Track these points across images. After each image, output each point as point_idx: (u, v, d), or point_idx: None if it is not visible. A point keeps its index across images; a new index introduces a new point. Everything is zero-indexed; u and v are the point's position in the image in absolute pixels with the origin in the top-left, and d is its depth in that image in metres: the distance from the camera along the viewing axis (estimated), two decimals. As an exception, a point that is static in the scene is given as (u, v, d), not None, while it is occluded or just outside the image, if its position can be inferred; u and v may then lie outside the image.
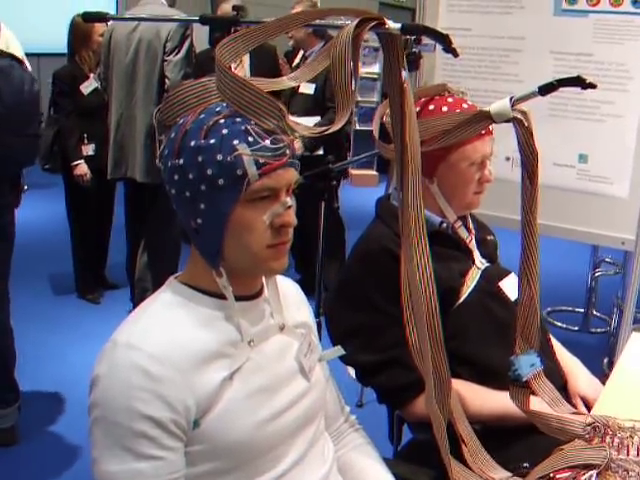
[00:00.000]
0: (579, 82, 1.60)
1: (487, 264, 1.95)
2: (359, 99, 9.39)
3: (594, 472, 1.42)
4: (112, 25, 3.99)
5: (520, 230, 1.66)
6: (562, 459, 1.47)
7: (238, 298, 1.29)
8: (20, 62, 2.73)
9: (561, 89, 1.67)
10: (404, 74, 1.34)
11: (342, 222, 4.92)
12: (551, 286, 3.80)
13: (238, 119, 1.20)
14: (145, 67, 3.87)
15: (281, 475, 1.32)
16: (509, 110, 1.61)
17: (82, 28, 4.40)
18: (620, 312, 3.76)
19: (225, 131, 1.19)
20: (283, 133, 1.22)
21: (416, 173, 1.37)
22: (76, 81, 4.47)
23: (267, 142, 1.20)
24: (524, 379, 1.64)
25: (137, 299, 4.25)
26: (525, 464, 1.61)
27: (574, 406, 1.87)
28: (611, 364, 3.54)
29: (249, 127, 1.19)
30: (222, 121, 1.20)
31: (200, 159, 1.19)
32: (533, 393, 1.65)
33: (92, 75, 4.49)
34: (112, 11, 11.00)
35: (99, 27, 4.38)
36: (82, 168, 4.50)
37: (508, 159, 2.93)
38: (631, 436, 1.51)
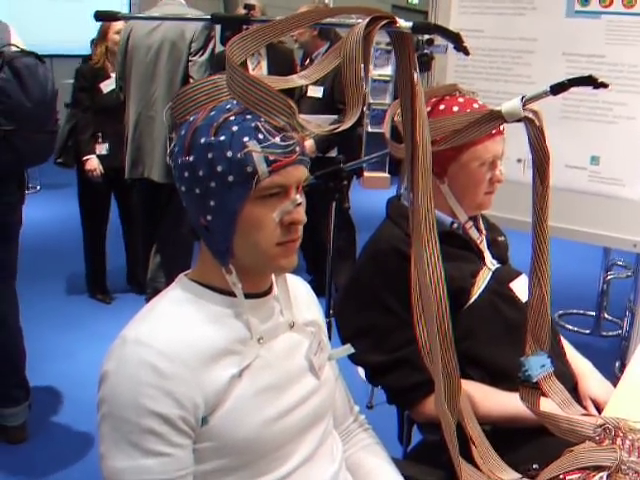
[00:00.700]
0: (591, 81, 1.59)
1: (498, 265, 1.95)
2: (371, 101, 9.37)
3: (604, 474, 1.41)
4: (130, 24, 3.99)
5: (531, 231, 1.65)
6: (572, 460, 1.46)
7: (248, 295, 1.29)
8: (42, 61, 2.78)
9: (573, 90, 1.66)
10: (415, 74, 1.33)
11: (352, 223, 4.92)
12: (562, 289, 3.78)
13: (248, 116, 1.20)
14: (167, 67, 3.87)
15: (290, 473, 1.32)
16: (520, 109, 1.60)
17: (102, 26, 4.45)
18: (632, 315, 3.74)
19: (235, 128, 1.19)
20: (293, 130, 1.22)
21: (427, 173, 1.37)
22: (97, 79, 4.50)
23: (277, 139, 1.20)
24: (534, 380, 1.63)
25: (149, 299, 4.25)
26: (535, 465, 1.60)
27: (584, 408, 1.86)
28: (623, 367, 3.53)
29: (259, 124, 1.19)
30: (232, 118, 1.20)
31: (210, 156, 1.19)
32: (543, 394, 1.65)
33: (113, 75, 4.49)
34: (126, 11, 11.02)
35: (116, 24, 4.39)
36: (92, 163, 4.49)
37: (519, 161, 2.92)
38: (642, 438, 1.50)
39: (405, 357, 1.76)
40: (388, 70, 9.81)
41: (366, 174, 9.16)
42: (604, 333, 4.86)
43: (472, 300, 1.84)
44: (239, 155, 1.18)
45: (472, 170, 1.84)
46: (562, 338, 2.05)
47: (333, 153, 4.66)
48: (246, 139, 1.18)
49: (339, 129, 1.23)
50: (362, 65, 1.21)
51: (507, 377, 1.74)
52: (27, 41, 2.84)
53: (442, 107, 1.83)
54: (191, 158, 1.22)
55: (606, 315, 4.93)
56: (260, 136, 1.19)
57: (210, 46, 3.85)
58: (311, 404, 1.37)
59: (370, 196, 4.86)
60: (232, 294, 1.29)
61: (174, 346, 1.20)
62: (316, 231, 3.45)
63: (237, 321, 1.29)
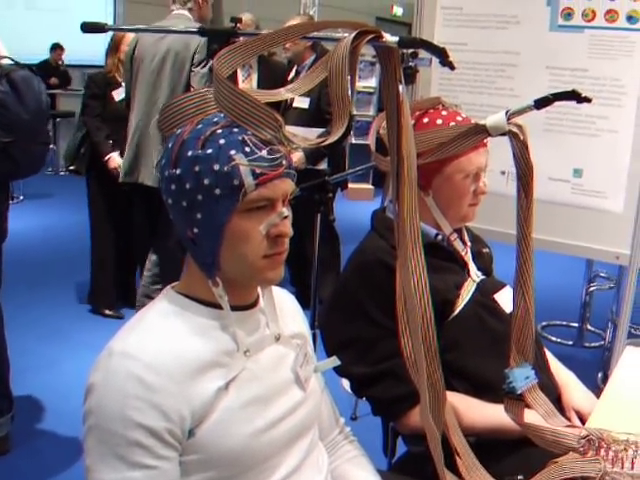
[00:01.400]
0: (574, 96, 1.61)
1: (482, 277, 1.95)
2: (355, 113, 9.40)
3: (588, 485, 1.42)
4: (137, 36, 4.07)
5: (515, 244, 1.66)
6: (557, 472, 1.47)
7: (234, 308, 1.30)
8: (34, 72, 2.79)
9: (556, 104, 1.67)
10: (400, 87, 1.34)
11: (337, 235, 4.93)
12: (546, 300, 3.80)
13: (235, 129, 1.21)
14: (171, 75, 3.92)
15: (276, 485, 1.32)
16: (505, 123, 1.62)
17: (114, 38, 4.51)
18: (614, 327, 3.76)
19: (222, 141, 1.20)
20: (280, 144, 1.22)
21: (412, 185, 1.37)
22: (109, 86, 4.54)
23: (264, 152, 1.20)
24: (519, 392, 1.64)
25: (140, 308, 4.24)
26: (520, 477, 1.61)
27: (568, 419, 1.87)
28: (605, 378, 3.55)
29: (246, 137, 1.20)
30: (219, 131, 1.21)
31: (197, 169, 1.20)
32: (527, 406, 1.65)
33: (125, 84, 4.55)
34: (110, 22, 11.06)
35: (129, 37, 4.43)
36: (115, 160, 4.49)
37: (503, 173, 2.93)
38: (625, 449, 1.51)
39: (390, 369, 1.77)
40: (372, 82, 9.86)
41: (350, 185, 9.16)
42: (587, 344, 4.89)
43: (457, 312, 1.84)
44: (226, 168, 1.19)
45: (456, 182, 1.85)
46: (546, 350, 2.06)
47: (323, 165, 4.67)
48: (233, 152, 1.19)
49: (325, 142, 1.23)
50: (349, 78, 1.22)
51: (491, 389, 1.75)
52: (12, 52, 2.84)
53: (426, 120, 1.84)
54: (178, 171, 1.22)
55: (589, 326, 4.96)
56: (247, 149, 1.19)
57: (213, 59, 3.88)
58: (297, 416, 1.37)
59: (354, 208, 4.88)
60: (218, 306, 1.29)
61: (161, 359, 1.20)
62: (301, 243, 3.46)
63: (223, 333, 1.29)
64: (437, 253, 1.87)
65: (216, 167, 1.19)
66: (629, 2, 2.73)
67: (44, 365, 4.05)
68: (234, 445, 1.23)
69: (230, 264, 1.25)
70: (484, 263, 2.02)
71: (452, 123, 1.82)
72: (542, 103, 1.65)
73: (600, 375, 4.01)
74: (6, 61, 2.74)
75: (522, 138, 1.60)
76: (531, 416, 1.66)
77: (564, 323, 5.11)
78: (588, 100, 1.60)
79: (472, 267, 1.95)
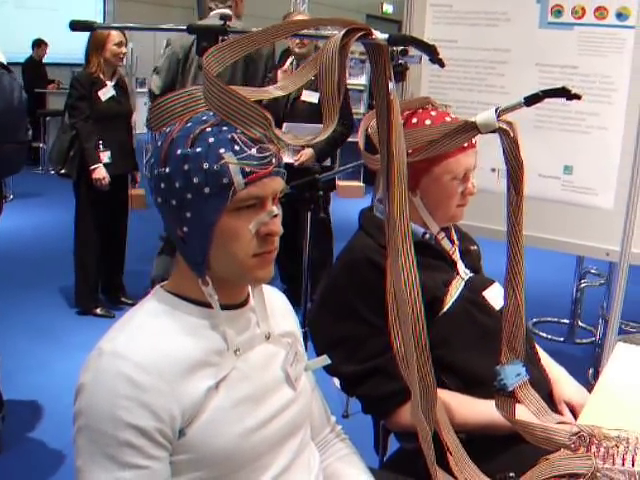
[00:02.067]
0: (564, 93, 1.61)
1: (471, 274, 1.96)
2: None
3: (580, 481, 1.42)
4: (188, 37, 4.02)
5: (506, 240, 1.66)
6: (548, 468, 1.47)
7: (224, 307, 1.29)
8: (8, 70, 2.74)
9: (546, 101, 1.67)
10: (391, 85, 1.34)
11: (332, 233, 4.93)
12: (536, 297, 3.81)
13: (224, 128, 1.21)
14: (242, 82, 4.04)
15: (267, 484, 1.31)
16: (495, 121, 1.61)
17: (98, 36, 4.43)
18: (605, 323, 3.77)
19: (211, 139, 1.19)
20: (269, 142, 1.22)
21: (402, 182, 1.37)
22: (94, 86, 4.49)
23: (253, 151, 1.20)
24: (510, 389, 1.64)
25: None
26: (511, 473, 1.61)
27: (559, 412, 1.88)
28: (596, 374, 3.55)
29: (235, 136, 1.20)
30: (209, 130, 1.21)
31: (186, 167, 1.19)
32: (519, 403, 1.65)
33: (109, 83, 4.52)
34: (100, 20, 11.06)
35: (115, 36, 4.41)
36: (100, 172, 4.44)
37: (494, 170, 2.94)
38: (617, 445, 1.51)
39: (379, 366, 1.77)
40: (362, 79, 9.87)
41: (340, 183, 9.18)
42: (578, 340, 4.90)
43: (445, 309, 1.84)
44: (215, 167, 1.18)
45: (444, 183, 1.85)
46: (536, 345, 2.06)
47: (328, 162, 4.70)
48: (222, 150, 1.18)
49: (315, 141, 1.23)
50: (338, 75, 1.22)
51: (482, 384, 1.75)
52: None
53: (414, 120, 1.84)
54: (167, 169, 1.21)
55: (580, 323, 4.98)
56: (236, 147, 1.19)
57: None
58: (288, 415, 1.36)
59: (344, 205, 4.87)
60: (208, 305, 1.28)
61: (151, 358, 1.19)
62: (295, 241, 3.46)
63: (213, 332, 1.28)
64: (425, 251, 1.87)
65: (205, 166, 1.18)
66: (618, -1, 2.73)
67: (35, 365, 4.03)
68: (225, 445, 1.23)
69: (220, 263, 1.25)
70: (472, 261, 2.02)
71: (440, 124, 1.81)
72: (532, 100, 1.65)
73: (591, 371, 4.02)
74: None
75: (512, 135, 1.59)
76: (523, 412, 1.66)
77: (555, 319, 5.13)
78: (578, 97, 1.60)
79: (460, 265, 1.95)
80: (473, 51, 3.05)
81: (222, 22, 1.93)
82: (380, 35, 1.31)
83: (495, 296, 1.92)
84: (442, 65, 1.55)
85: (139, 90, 10.48)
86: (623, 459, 1.48)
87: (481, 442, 1.70)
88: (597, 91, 2.80)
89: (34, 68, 10.60)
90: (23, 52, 10.46)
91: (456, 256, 1.95)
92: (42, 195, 8.60)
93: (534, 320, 5.03)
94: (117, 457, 1.15)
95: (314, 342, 1.91)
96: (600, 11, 2.77)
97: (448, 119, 1.84)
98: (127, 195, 4.87)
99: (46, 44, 10.66)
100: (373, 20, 15.10)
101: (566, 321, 5.01)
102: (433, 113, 1.85)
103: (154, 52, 11.95)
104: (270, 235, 1.25)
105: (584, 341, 4.89)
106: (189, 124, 1.23)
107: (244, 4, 4.14)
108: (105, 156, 4.50)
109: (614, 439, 1.53)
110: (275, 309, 1.47)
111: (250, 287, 1.39)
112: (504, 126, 1.61)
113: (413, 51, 2.85)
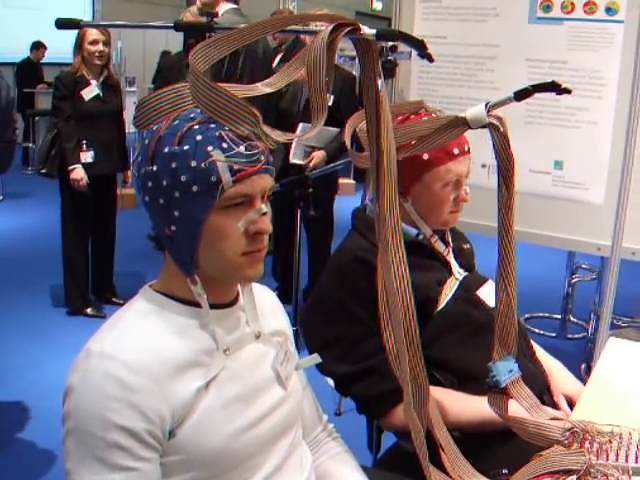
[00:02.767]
0: (554, 87, 1.60)
1: (465, 274, 1.95)
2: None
3: (574, 477, 1.41)
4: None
5: (497, 236, 1.65)
6: (542, 465, 1.46)
7: (213, 306, 1.28)
8: None
9: (536, 96, 1.67)
10: (379, 81, 1.33)
11: (333, 231, 4.90)
12: (528, 293, 3.81)
13: (212, 125, 1.19)
14: None
15: (259, 484, 1.30)
16: (485, 116, 1.61)
17: (79, 35, 4.41)
18: (597, 318, 3.77)
19: (199, 137, 1.18)
20: (258, 139, 1.21)
21: (392, 177, 1.36)
22: (78, 86, 4.45)
23: (241, 148, 1.19)
24: (502, 385, 1.63)
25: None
26: (504, 470, 1.61)
27: (557, 405, 1.88)
28: (589, 370, 3.56)
29: (223, 133, 1.19)
30: (196, 127, 1.19)
31: (174, 165, 1.18)
32: (512, 399, 1.65)
33: (94, 82, 4.48)
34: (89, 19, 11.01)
35: (89, 35, 4.36)
36: (78, 173, 4.41)
37: (484, 166, 2.93)
38: (610, 441, 1.51)
39: (373, 366, 1.76)
40: (352, 76, 9.83)
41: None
42: (570, 336, 4.91)
43: (440, 308, 1.84)
44: (203, 165, 1.17)
45: (435, 190, 1.85)
46: (531, 339, 2.06)
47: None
48: (210, 148, 1.17)
49: (305, 137, 1.22)
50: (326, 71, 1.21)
51: (475, 379, 1.75)
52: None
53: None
54: (155, 168, 1.20)
55: (571, 318, 4.98)
56: (224, 145, 1.18)
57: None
58: (279, 414, 1.36)
59: (336, 202, 4.85)
60: (197, 305, 1.27)
61: (139, 358, 1.18)
62: (288, 238, 3.44)
63: (203, 332, 1.27)
64: (418, 251, 1.86)
65: (193, 164, 1.17)
66: (608, -7, 2.73)
67: (26, 366, 4.02)
68: (215, 445, 1.22)
69: (208, 262, 1.24)
70: (465, 259, 2.02)
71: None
72: (522, 95, 1.64)
73: (584, 366, 4.02)
74: None
75: (502, 130, 1.59)
76: (516, 407, 1.66)
77: (547, 315, 5.13)
78: (568, 91, 1.60)
79: (454, 266, 1.94)
80: (463, 47, 3.04)
81: (209, 18, 1.92)
82: (368, 30, 1.30)
83: (489, 294, 1.91)
84: (431, 60, 1.54)
85: (128, 89, 10.44)
86: (617, 454, 1.48)
87: (474, 439, 1.69)
88: (587, 86, 2.80)
89: (28, 69, 10.55)
90: (14, 52, 10.42)
91: (450, 257, 1.95)
92: (32, 195, 8.57)
93: (526, 316, 5.03)
94: (106, 459, 1.13)
95: (307, 343, 1.90)
96: (589, 6, 2.76)
97: None
98: (114, 195, 4.84)
99: (45, 47, 10.60)
100: (362, 17, 15.10)
101: (558, 316, 5.01)
102: (425, 119, 1.83)
103: (143, 51, 11.95)
104: (259, 233, 1.24)
105: (576, 336, 4.89)
106: (176, 122, 1.22)
107: None
108: (88, 156, 4.47)
109: (607, 434, 1.53)
110: (265, 308, 1.46)
111: (240, 286, 1.38)
112: (494, 121, 1.60)
113: (403, 47, 2.84)
